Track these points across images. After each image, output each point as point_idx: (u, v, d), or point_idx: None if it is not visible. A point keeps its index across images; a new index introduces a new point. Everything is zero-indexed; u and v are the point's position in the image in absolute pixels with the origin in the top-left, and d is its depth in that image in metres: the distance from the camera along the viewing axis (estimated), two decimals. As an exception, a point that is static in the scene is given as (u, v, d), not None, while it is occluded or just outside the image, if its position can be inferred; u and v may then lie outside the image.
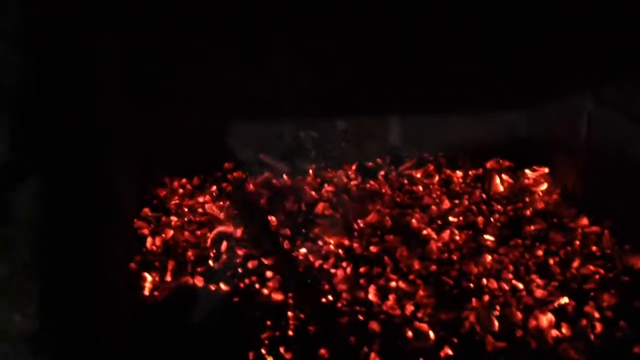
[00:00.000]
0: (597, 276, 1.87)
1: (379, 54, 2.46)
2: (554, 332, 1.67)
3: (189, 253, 2.02)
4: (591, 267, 1.91)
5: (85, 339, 1.23)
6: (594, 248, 2.00)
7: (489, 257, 1.97)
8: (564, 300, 1.77)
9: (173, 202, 2.31)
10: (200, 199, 2.32)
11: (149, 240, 2.08)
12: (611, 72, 2.04)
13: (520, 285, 1.85)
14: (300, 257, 2.01)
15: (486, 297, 1.79)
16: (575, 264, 1.93)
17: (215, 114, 2.47)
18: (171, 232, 2.11)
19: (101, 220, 1.42)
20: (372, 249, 2.03)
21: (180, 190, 2.37)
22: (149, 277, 1.91)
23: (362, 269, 1.94)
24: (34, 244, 0.95)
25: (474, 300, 1.78)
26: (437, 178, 2.47)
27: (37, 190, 0.95)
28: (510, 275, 1.90)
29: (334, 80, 2.45)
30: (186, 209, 2.27)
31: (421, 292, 1.83)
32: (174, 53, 2.27)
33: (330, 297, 1.85)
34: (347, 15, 2.36)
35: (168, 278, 1.93)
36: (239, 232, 2.10)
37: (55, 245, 1.02)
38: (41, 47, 0.97)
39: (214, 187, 2.40)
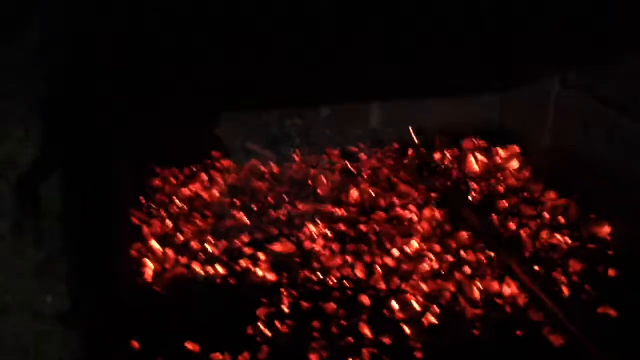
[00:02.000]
0: (564, 246, 2.04)
1: (359, 43, 2.58)
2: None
3: (191, 242, 2.13)
4: (558, 237, 2.07)
5: (102, 317, 1.37)
6: (561, 219, 2.17)
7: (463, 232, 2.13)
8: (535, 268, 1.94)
9: (166, 191, 2.42)
10: (192, 188, 2.43)
11: (145, 229, 2.19)
12: (576, 57, 2.19)
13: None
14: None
15: (467, 269, 1.95)
16: (545, 234, 2.09)
17: (203, 105, 2.57)
18: (169, 222, 2.22)
19: (109, 211, 1.54)
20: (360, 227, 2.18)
21: (173, 180, 2.48)
22: (150, 265, 2.03)
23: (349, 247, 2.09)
24: (61, 233, 1.07)
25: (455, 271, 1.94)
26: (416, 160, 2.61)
27: (61, 186, 1.07)
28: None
29: (316, 69, 2.57)
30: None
31: (405, 267, 1.98)
32: (163, 52, 2.35)
33: (320, 275, 1.99)
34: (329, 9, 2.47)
35: (168, 266, 2.05)
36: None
37: (78, 234, 1.15)
38: (65, 56, 1.09)
39: (204, 176, 2.51)
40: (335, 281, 1.96)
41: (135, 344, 1.71)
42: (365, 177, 2.50)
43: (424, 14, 2.41)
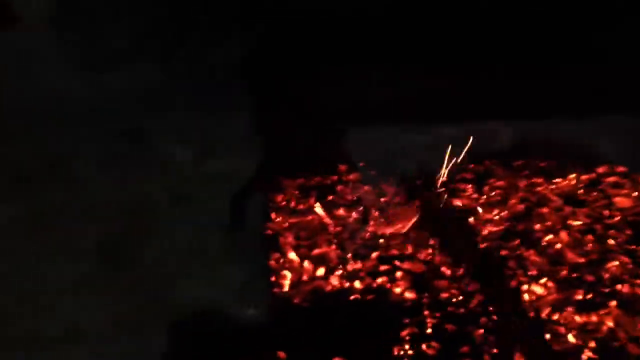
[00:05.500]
0: None
1: (491, 63, 2.53)
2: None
3: (326, 255, 2.13)
4: None
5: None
6: None
7: (615, 262, 2.01)
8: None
9: (298, 204, 2.42)
10: (322, 201, 2.42)
11: (281, 239, 2.20)
12: None
13: (652, 292, 1.89)
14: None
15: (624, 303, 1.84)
16: None
17: (332, 121, 2.60)
18: (303, 234, 2.22)
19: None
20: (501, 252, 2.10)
21: (304, 193, 2.47)
22: (288, 275, 2.02)
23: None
24: (264, 251, 1.08)
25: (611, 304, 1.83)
26: (550, 183, 2.51)
27: (264, 203, 1.08)
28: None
29: (442, 88, 2.55)
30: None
31: (554, 296, 1.89)
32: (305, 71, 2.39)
33: (461, 297, 1.93)
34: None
35: (305, 277, 2.04)
36: None
37: (273, 252, 1.15)
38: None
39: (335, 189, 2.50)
40: (478, 305, 1.89)
41: (282, 355, 1.71)
42: (499, 198, 2.42)
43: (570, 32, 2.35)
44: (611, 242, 2.11)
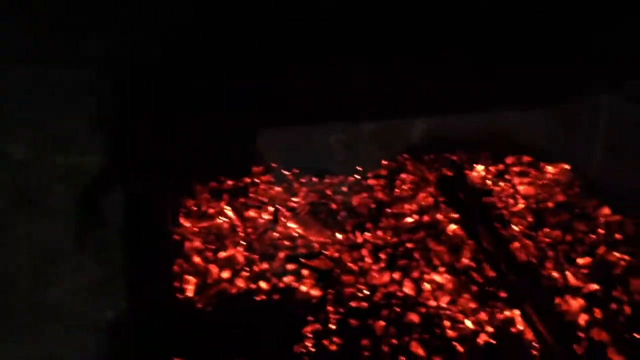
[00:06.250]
0: (622, 262, 1.95)
1: (403, 60, 2.54)
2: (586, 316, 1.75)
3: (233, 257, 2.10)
4: (616, 254, 1.98)
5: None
6: (617, 236, 2.08)
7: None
8: (594, 286, 1.85)
9: (208, 207, 2.39)
10: (235, 204, 2.40)
11: (187, 244, 2.16)
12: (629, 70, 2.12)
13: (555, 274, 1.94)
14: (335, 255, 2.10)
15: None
16: (601, 251, 2.01)
17: (245, 121, 2.55)
18: (211, 238, 2.19)
19: (156, 226, 1.52)
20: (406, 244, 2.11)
21: (215, 196, 2.44)
22: (192, 279, 1.99)
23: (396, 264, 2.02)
24: (123, 248, 1.04)
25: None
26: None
27: (123, 199, 1.05)
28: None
29: (361, 84, 2.54)
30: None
31: (454, 284, 1.91)
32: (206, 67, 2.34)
33: (367, 292, 1.93)
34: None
35: (210, 280, 2.01)
36: None
37: (137, 249, 1.12)
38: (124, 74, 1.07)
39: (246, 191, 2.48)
40: (383, 298, 1.90)
41: (178, 361, 1.66)
42: (409, 192, 2.44)
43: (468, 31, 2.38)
44: (514, 228, 2.16)
